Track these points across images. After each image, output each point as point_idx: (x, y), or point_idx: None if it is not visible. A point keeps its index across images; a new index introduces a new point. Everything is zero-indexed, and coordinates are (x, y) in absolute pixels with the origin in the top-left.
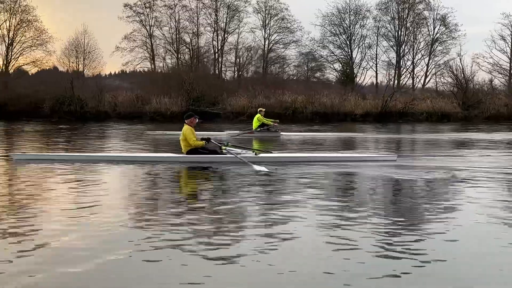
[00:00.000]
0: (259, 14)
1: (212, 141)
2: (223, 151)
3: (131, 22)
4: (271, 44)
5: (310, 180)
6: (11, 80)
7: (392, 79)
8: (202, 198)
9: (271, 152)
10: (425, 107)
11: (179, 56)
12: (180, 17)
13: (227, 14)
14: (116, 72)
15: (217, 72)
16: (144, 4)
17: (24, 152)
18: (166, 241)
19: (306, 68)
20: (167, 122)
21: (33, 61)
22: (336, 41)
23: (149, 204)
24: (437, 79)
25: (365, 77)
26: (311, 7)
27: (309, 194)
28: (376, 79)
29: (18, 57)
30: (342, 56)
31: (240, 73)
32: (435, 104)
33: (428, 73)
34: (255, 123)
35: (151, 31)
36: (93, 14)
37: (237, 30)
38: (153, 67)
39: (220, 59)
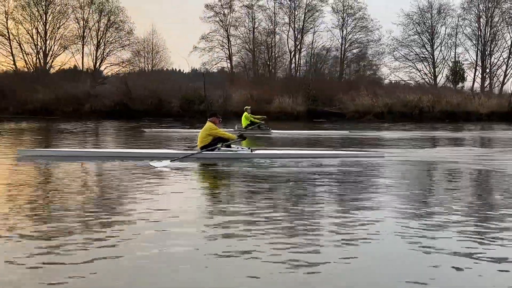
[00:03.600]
0: (337, 14)
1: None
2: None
3: (208, 23)
4: (348, 44)
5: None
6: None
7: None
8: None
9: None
10: None
11: (256, 55)
12: (257, 17)
13: (304, 13)
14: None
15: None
16: (222, 5)
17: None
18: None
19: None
20: (292, 120)
21: (121, 62)
22: (419, 40)
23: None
24: None
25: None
26: (391, 6)
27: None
28: (455, 78)
29: (106, 57)
30: (424, 56)
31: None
32: None
33: None
34: (244, 122)
35: (229, 31)
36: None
37: (312, 30)
38: (230, 66)
39: (295, 58)
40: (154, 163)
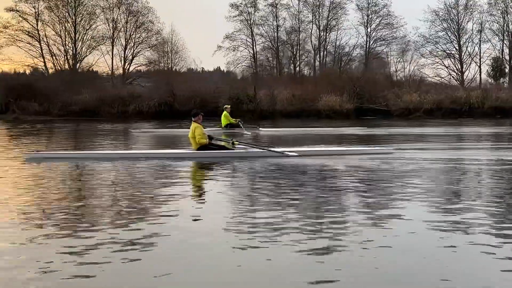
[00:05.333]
0: (361, 11)
1: (214, 139)
2: (235, 146)
3: (233, 22)
4: (373, 41)
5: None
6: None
7: None
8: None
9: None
10: None
11: (279, 54)
12: (281, 15)
13: (328, 11)
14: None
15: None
16: (247, 4)
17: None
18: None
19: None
20: (341, 118)
21: (149, 62)
22: (445, 36)
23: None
24: None
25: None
26: (417, 2)
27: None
28: (480, 75)
29: (134, 57)
30: (451, 52)
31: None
32: None
33: None
34: (223, 121)
35: (253, 29)
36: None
37: (336, 27)
38: (254, 65)
39: (320, 56)
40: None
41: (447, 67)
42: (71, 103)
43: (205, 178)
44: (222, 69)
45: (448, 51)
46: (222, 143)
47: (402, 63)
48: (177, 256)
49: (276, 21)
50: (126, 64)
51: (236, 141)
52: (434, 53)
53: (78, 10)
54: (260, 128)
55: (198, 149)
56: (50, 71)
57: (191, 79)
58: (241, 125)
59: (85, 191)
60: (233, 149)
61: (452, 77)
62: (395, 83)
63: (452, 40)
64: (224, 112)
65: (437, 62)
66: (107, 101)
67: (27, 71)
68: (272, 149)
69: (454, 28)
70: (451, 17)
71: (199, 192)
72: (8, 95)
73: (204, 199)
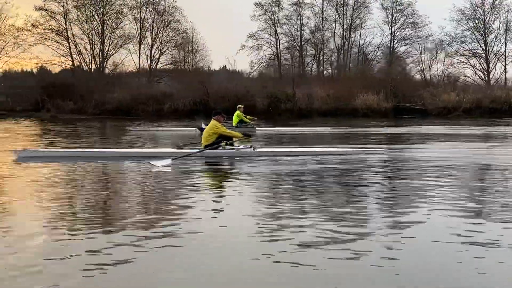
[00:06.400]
0: (386, 10)
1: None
2: (225, 147)
3: (257, 21)
4: (397, 40)
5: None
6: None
7: None
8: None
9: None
10: None
11: (303, 53)
12: (305, 14)
13: (352, 10)
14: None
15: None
16: (270, 4)
17: None
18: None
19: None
20: (379, 117)
21: (175, 61)
22: (472, 35)
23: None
24: None
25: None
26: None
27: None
28: (505, 74)
29: (160, 56)
30: (477, 51)
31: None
32: None
33: None
34: (235, 119)
35: (276, 28)
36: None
37: (360, 26)
38: (278, 64)
39: (344, 55)
40: (155, 162)
41: (473, 66)
42: (104, 101)
43: (216, 177)
44: (228, 68)
45: (474, 50)
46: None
47: (435, 62)
48: (198, 260)
49: (300, 20)
50: (153, 62)
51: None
52: (460, 52)
53: (105, 9)
54: (257, 128)
55: (205, 146)
56: (78, 69)
57: (223, 79)
58: (253, 124)
59: (84, 192)
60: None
61: (478, 76)
62: (429, 82)
63: (478, 39)
64: (237, 112)
65: (463, 62)
66: (141, 100)
67: (57, 70)
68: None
69: (480, 27)
70: (477, 16)
71: (214, 192)
72: (43, 93)
73: (220, 199)
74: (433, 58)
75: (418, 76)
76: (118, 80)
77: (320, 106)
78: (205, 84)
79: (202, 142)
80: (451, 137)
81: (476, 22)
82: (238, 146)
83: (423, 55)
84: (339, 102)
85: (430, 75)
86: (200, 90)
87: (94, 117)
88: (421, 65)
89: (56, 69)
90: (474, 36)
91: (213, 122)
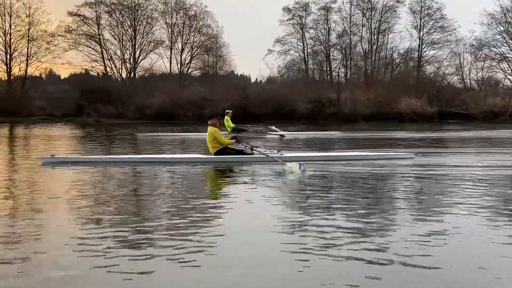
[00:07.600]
0: (414, 14)
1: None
2: (254, 151)
3: (285, 25)
4: (425, 45)
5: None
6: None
7: None
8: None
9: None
10: None
11: (330, 57)
12: (332, 18)
13: (380, 14)
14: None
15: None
16: (299, 8)
17: None
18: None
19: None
20: (424, 122)
21: (206, 66)
22: (502, 40)
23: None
24: None
25: None
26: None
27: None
28: None
29: (191, 60)
30: (507, 55)
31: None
32: None
33: None
34: (227, 125)
35: (304, 33)
36: None
37: (388, 31)
38: (305, 69)
39: (372, 59)
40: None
41: (503, 71)
42: (143, 106)
43: (233, 183)
44: (236, 73)
45: (504, 55)
46: (241, 148)
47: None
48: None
49: (327, 25)
50: (184, 67)
51: (254, 146)
52: (491, 56)
53: (137, 14)
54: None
55: (215, 154)
56: (110, 74)
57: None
58: (248, 129)
59: (105, 196)
60: (252, 154)
61: (509, 80)
62: (468, 87)
63: (509, 43)
64: (226, 117)
65: (493, 66)
66: (181, 104)
67: (93, 74)
68: (277, 156)
69: (510, 31)
70: (507, 20)
71: (231, 198)
72: (82, 98)
73: (237, 204)
74: (473, 62)
75: (455, 79)
76: (155, 85)
77: (362, 110)
78: (245, 88)
79: (210, 150)
80: None
81: (506, 26)
82: (265, 151)
83: (461, 59)
84: (381, 106)
85: (469, 80)
86: (237, 94)
87: (134, 122)
88: (460, 69)
89: (94, 73)
90: (504, 40)
91: (211, 128)
